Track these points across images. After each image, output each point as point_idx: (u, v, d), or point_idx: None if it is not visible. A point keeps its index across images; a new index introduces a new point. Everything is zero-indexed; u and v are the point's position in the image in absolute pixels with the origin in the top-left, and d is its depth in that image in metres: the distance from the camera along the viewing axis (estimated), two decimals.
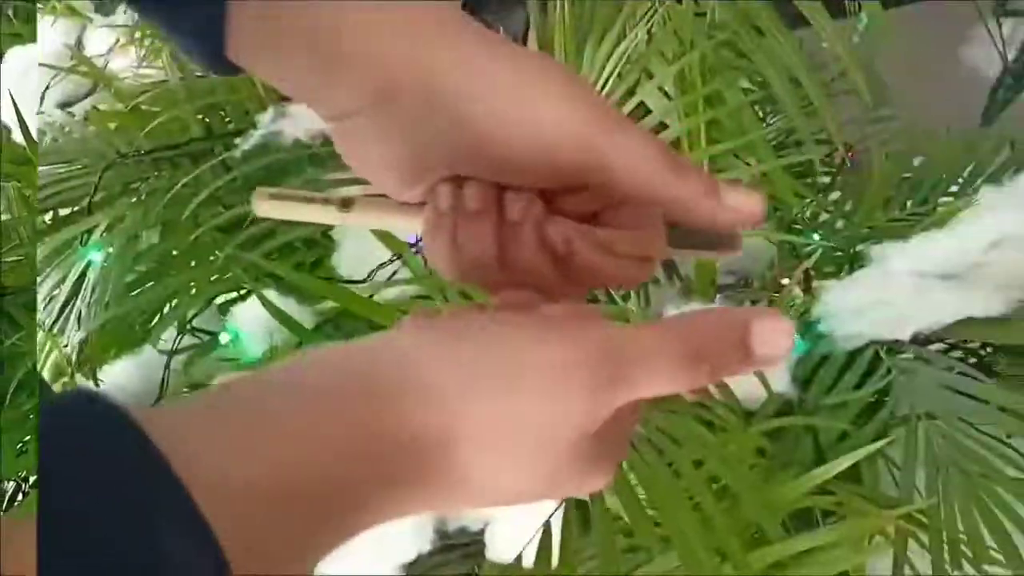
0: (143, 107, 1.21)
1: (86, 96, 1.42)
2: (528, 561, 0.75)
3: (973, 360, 0.94)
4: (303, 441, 0.30)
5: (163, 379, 1.16)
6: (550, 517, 0.76)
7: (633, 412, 0.37)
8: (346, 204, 0.42)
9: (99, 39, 1.53)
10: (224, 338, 1.12)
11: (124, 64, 1.43)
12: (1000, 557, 0.77)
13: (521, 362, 0.33)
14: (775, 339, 0.35)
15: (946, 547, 0.77)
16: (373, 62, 0.38)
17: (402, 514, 0.33)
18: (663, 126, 0.93)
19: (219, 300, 1.16)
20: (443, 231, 0.39)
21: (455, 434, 0.32)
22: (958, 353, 0.95)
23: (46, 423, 0.26)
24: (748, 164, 0.87)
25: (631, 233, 0.39)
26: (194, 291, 1.10)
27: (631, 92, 0.96)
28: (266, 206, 0.43)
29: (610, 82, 0.96)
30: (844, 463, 0.71)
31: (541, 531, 0.75)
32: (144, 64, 1.38)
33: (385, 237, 0.94)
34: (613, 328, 0.35)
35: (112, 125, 1.23)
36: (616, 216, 0.40)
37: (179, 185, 1.05)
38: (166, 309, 1.11)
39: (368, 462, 0.31)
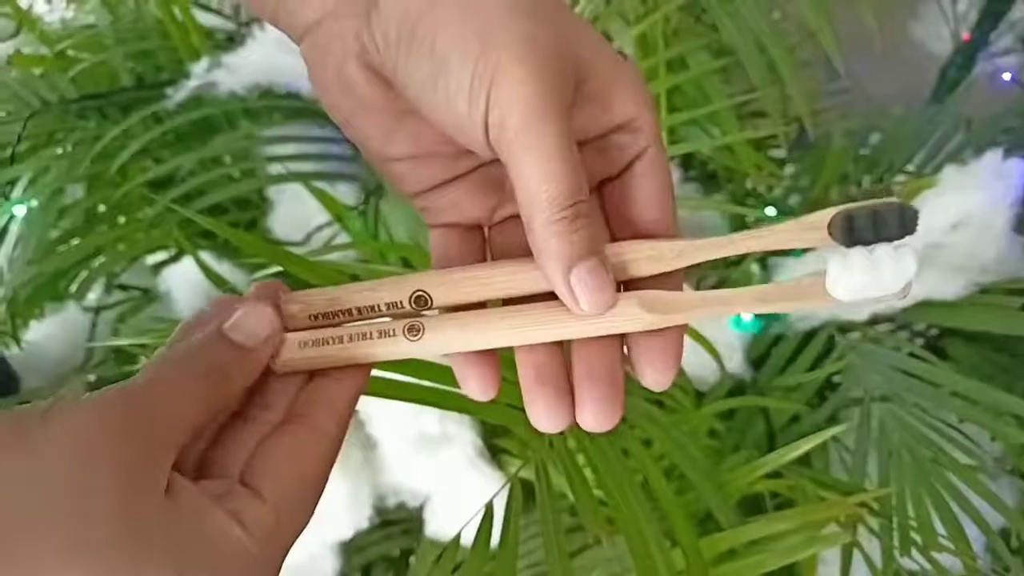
0: (70, 52, 1.14)
1: (9, 39, 1.34)
2: (468, 540, 0.71)
3: (921, 341, 0.93)
4: None
5: (89, 339, 1.11)
6: (493, 497, 0.72)
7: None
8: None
9: None
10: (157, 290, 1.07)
11: (50, 6, 1.36)
12: (950, 545, 0.75)
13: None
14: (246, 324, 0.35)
15: (896, 534, 0.76)
16: None
17: None
18: None
19: (151, 261, 1.11)
20: None
21: None
22: (905, 333, 0.93)
23: None
24: (710, 135, 0.84)
25: None
26: (122, 249, 1.04)
27: None
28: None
29: None
30: (800, 448, 0.69)
31: (483, 510, 0.72)
32: (71, 6, 1.30)
33: (324, 199, 0.90)
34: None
35: (37, 71, 1.16)
36: None
37: (108, 137, 0.99)
38: (94, 265, 1.05)
39: None
